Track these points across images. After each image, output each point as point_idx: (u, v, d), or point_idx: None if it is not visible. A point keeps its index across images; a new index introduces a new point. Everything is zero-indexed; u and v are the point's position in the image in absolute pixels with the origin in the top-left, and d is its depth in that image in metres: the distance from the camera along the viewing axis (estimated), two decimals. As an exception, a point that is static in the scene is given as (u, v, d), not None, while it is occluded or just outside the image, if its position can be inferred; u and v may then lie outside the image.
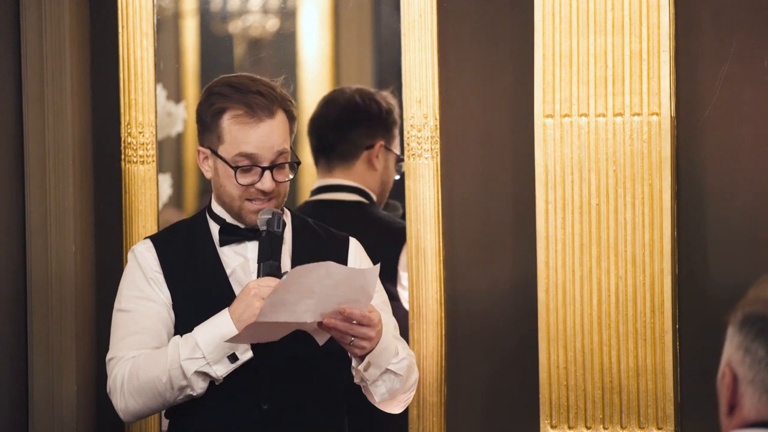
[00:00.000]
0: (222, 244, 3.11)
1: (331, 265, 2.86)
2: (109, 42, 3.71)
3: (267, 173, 3.03)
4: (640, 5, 3.42)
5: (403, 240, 3.68)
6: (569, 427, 3.48)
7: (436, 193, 3.58)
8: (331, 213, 3.91)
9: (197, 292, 3.07)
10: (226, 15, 5.33)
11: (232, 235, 3.11)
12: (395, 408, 3.16)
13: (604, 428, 3.46)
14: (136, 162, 3.71)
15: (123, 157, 3.71)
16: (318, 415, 3.11)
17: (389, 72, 4.50)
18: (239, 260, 3.10)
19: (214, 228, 3.13)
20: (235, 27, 5.35)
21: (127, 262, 3.17)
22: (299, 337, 2.96)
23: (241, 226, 3.10)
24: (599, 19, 3.45)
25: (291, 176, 3.11)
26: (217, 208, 3.14)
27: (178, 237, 3.16)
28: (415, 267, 3.58)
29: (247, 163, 3.03)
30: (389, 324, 3.13)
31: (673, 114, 3.45)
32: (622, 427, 3.46)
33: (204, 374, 2.96)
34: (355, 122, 4.01)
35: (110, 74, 3.71)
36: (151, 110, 3.71)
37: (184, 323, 3.04)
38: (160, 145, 4.01)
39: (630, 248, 3.43)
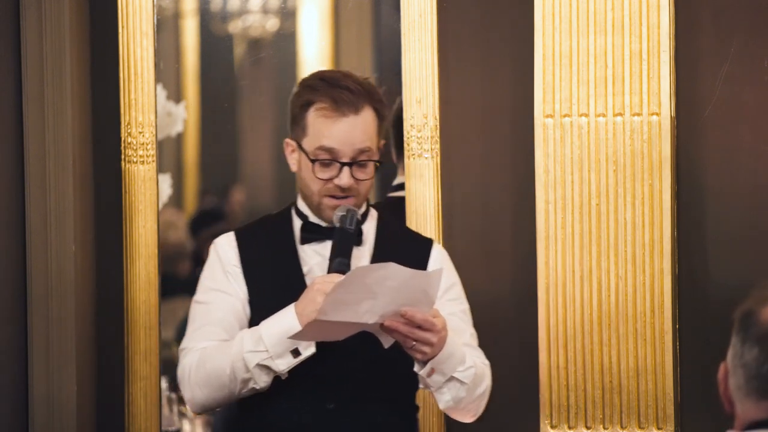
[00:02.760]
0: (303, 242, 3.09)
1: (392, 266, 2.82)
2: (109, 42, 3.71)
3: (345, 169, 3.00)
4: (640, 5, 3.42)
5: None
6: (569, 427, 3.48)
7: (436, 193, 3.58)
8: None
9: (273, 289, 3.05)
10: (226, 15, 5.32)
11: (313, 233, 3.08)
12: (463, 416, 3.10)
13: (604, 428, 3.46)
14: (136, 162, 3.71)
15: (123, 157, 3.71)
16: (386, 416, 3.08)
17: (389, 72, 4.50)
18: (317, 259, 3.07)
19: (297, 224, 3.11)
20: (235, 27, 5.35)
21: (208, 255, 3.13)
22: (366, 336, 2.92)
23: (323, 224, 3.08)
24: (599, 19, 3.45)
25: (369, 176, 3.05)
26: (301, 204, 3.12)
27: (262, 231, 3.14)
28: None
29: (327, 158, 3.00)
30: (464, 332, 3.10)
31: (673, 114, 3.45)
32: (622, 427, 3.46)
33: (267, 368, 2.94)
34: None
35: (110, 74, 3.71)
36: (151, 110, 3.71)
37: (258, 319, 3.01)
38: (160, 145, 4.00)
39: (630, 248, 3.44)
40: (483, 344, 3.64)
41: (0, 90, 3.61)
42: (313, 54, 5.35)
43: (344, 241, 2.99)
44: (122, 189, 3.71)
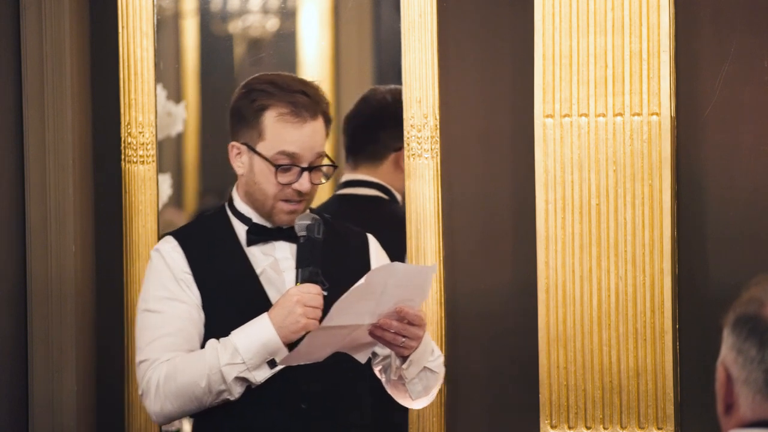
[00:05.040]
0: (249, 243, 3.09)
1: (396, 265, 2.86)
2: (109, 42, 3.71)
3: (305, 174, 3.02)
4: (640, 5, 3.42)
5: None
6: (569, 427, 3.48)
7: (436, 193, 3.58)
8: (350, 207, 3.90)
9: (228, 292, 3.05)
10: (226, 15, 5.33)
11: (260, 234, 3.09)
12: (420, 404, 3.16)
13: (604, 428, 3.46)
14: (136, 162, 3.71)
15: (123, 157, 3.71)
16: (351, 413, 3.11)
17: (389, 72, 4.50)
18: (268, 260, 3.08)
19: (239, 227, 3.10)
20: (235, 27, 5.35)
21: (149, 260, 3.13)
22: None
23: (268, 225, 3.09)
24: (599, 19, 3.45)
25: (324, 180, 3.10)
26: (242, 206, 3.11)
27: (200, 236, 3.12)
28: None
29: (288, 162, 3.01)
30: None
31: (673, 114, 3.45)
32: (622, 427, 3.46)
33: (243, 379, 2.94)
34: (385, 123, 3.97)
35: (110, 74, 3.71)
36: (151, 110, 3.71)
37: (214, 323, 3.02)
38: (160, 145, 4.00)
39: (630, 248, 3.43)
40: (483, 344, 3.64)
41: (0, 90, 3.62)
42: (313, 54, 5.35)
43: (313, 250, 2.98)
44: (122, 189, 3.71)
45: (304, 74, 5.39)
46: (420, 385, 3.05)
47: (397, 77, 3.67)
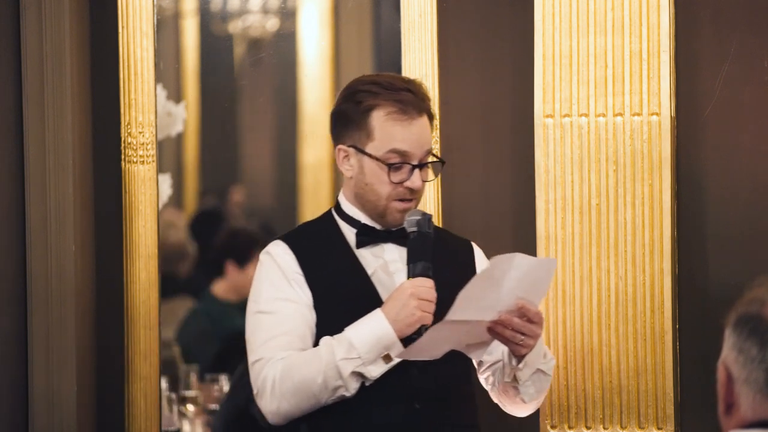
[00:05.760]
0: (359, 246, 3.07)
1: (518, 257, 2.84)
2: (109, 42, 3.70)
3: (417, 171, 3.01)
4: (640, 5, 3.42)
5: None
6: (569, 427, 3.48)
7: (436, 193, 3.58)
8: None
9: (339, 293, 3.02)
10: (226, 15, 5.33)
11: (370, 236, 3.07)
12: (531, 408, 3.16)
13: (604, 428, 3.47)
14: (136, 162, 3.71)
15: (123, 157, 3.71)
16: (461, 413, 3.10)
17: (389, 72, 4.50)
18: (378, 262, 3.06)
19: (347, 230, 3.08)
20: (235, 27, 5.36)
21: (258, 263, 3.09)
22: None
23: (378, 227, 3.07)
24: (599, 19, 3.45)
25: (434, 177, 3.11)
26: (351, 209, 3.09)
27: (309, 239, 3.10)
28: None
29: (399, 161, 3.00)
30: None
31: (673, 114, 3.45)
32: (622, 427, 3.46)
33: (359, 375, 2.93)
34: None
35: (110, 74, 3.70)
36: (151, 110, 3.71)
37: (326, 323, 3.00)
38: (160, 145, 4.00)
39: (630, 248, 3.44)
40: (483, 344, 3.64)
41: (0, 90, 3.62)
42: (313, 54, 5.35)
43: (424, 244, 2.97)
44: (122, 189, 3.71)
45: (304, 74, 5.39)
46: (533, 388, 3.04)
47: (397, 77, 3.68)
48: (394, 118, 3.00)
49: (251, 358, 3.02)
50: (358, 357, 2.91)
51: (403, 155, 3.00)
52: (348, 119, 3.05)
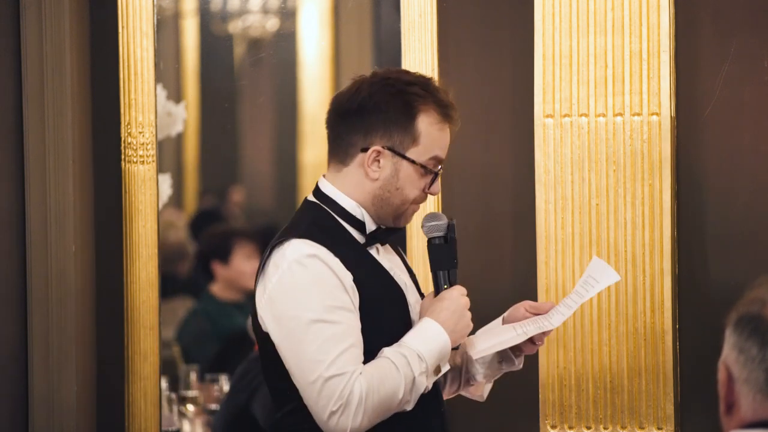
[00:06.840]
0: (367, 245, 2.94)
1: (596, 260, 2.98)
2: (109, 42, 3.71)
3: (439, 178, 2.93)
4: (640, 5, 3.43)
5: None
6: (569, 427, 3.48)
7: (436, 193, 3.57)
8: None
9: (377, 295, 2.91)
10: (226, 15, 5.33)
11: (377, 237, 2.96)
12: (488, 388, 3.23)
13: (604, 428, 3.47)
14: (136, 162, 3.71)
15: (123, 157, 3.71)
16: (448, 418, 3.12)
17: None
18: (390, 261, 2.99)
19: (350, 228, 2.93)
20: (235, 27, 5.36)
21: (300, 266, 2.84)
22: None
23: (383, 226, 2.96)
24: (599, 19, 3.45)
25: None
26: (353, 207, 2.92)
27: (331, 239, 2.90)
28: (414, 267, 3.58)
29: (436, 168, 2.91)
30: None
31: (673, 114, 3.45)
32: (622, 427, 3.46)
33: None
34: None
35: (110, 74, 3.71)
36: (151, 110, 3.71)
37: (365, 328, 2.87)
38: (160, 145, 4.01)
39: (630, 248, 3.44)
40: (483, 344, 3.64)
41: (0, 90, 3.62)
42: (313, 54, 5.35)
43: (451, 251, 2.93)
44: (122, 189, 3.71)
45: (304, 74, 5.40)
46: (484, 367, 3.12)
47: (397, 77, 3.67)
48: (440, 125, 2.89)
49: (324, 372, 2.80)
50: (426, 369, 2.85)
51: (440, 162, 2.92)
52: (390, 120, 2.88)
